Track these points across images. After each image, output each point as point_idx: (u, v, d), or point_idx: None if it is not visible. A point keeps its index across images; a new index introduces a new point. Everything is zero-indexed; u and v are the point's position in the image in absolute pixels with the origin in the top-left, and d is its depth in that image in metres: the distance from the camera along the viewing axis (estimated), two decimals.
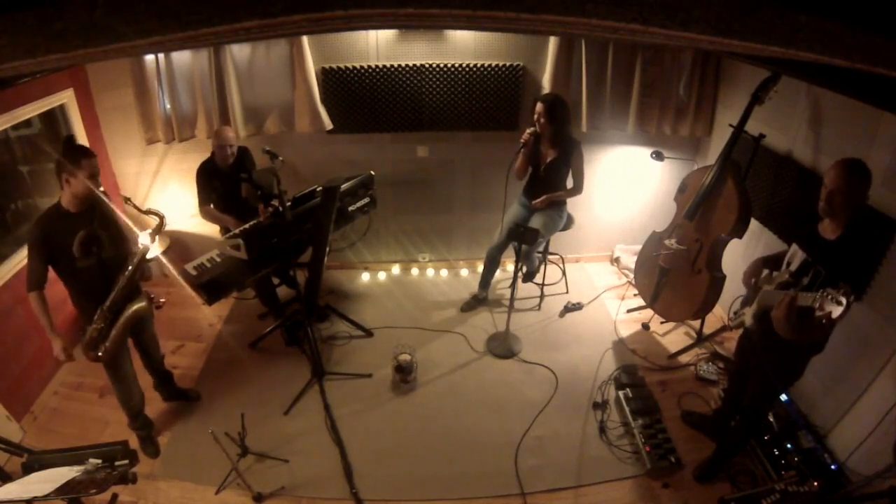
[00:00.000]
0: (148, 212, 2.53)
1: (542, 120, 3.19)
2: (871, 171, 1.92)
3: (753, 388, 2.43)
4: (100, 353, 2.46)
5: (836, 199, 1.95)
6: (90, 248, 2.34)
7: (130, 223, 2.63)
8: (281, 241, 2.97)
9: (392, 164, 3.98)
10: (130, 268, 2.44)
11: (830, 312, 1.73)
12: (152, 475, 2.70)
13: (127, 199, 2.60)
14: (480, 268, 3.97)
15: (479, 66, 3.59)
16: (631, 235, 4.36)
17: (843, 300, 1.71)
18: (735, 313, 2.48)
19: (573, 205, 3.63)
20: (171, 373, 3.06)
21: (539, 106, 3.18)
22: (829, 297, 1.75)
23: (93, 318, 2.42)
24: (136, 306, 2.54)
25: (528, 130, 3.23)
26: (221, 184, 3.30)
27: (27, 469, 2.06)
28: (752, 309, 2.30)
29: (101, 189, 2.32)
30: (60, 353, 2.39)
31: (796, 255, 2.17)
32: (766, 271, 2.32)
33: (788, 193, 3.04)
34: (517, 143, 3.26)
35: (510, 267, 4.04)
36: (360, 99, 3.66)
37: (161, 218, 2.52)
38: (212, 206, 3.37)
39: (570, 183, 3.46)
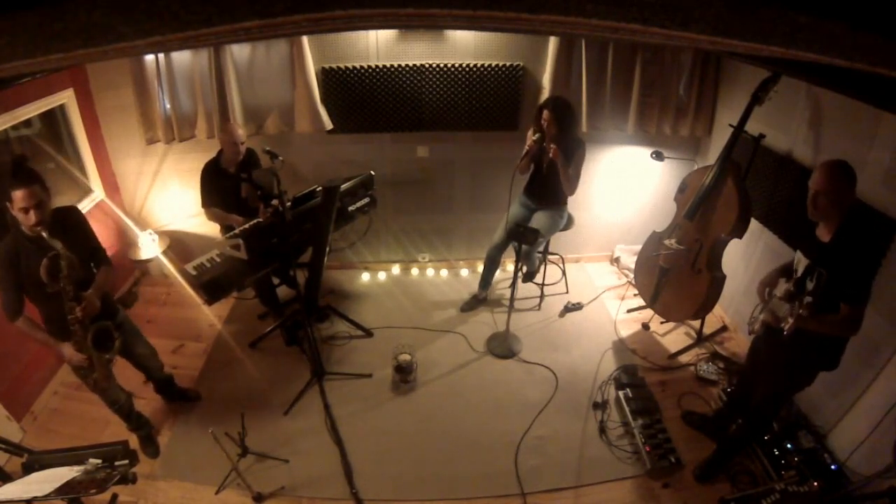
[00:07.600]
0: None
1: (551, 128, 3.15)
2: (854, 171, 1.94)
3: (762, 392, 2.43)
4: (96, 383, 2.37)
5: (819, 201, 1.98)
6: (56, 274, 2.12)
7: (132, 224, 2.57)
8: (281, 241, 2.97)
9: (392, 164, 3.98)
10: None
11: (788, 323, 1.90)
12: (152, 475, 2.70)
13: None
14: (480, 268, 3.97)
15: (479, 66, 3.59)
16: (631, 235, 4.36)
17: (792, 317, 1.89)
18: (753, 318, 2.43)
19: (573, 205, 3.63)
20: (171, 376, 3.05)
21: (546, 114, 3.14)
22: (800, 308, 1.91)
23: (64, 339, 2.27)
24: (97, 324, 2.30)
25: (532, 138, 3.19)
26: (226, 185, 3.24)
27: (27, 469, 2.05)
28: (762, 316, 2.31)
29: (37, 224, 2.02)
30: (73, 356, 2.26)
31: (801, 261, 2.17)
32: (782, 280, 2.30)
33: (788, 193, 3.04)
34: (522, 147, 3.23)
35: (510, 267, 4.03)
36: (360, 99, 3.66)
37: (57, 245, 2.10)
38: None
39: None
